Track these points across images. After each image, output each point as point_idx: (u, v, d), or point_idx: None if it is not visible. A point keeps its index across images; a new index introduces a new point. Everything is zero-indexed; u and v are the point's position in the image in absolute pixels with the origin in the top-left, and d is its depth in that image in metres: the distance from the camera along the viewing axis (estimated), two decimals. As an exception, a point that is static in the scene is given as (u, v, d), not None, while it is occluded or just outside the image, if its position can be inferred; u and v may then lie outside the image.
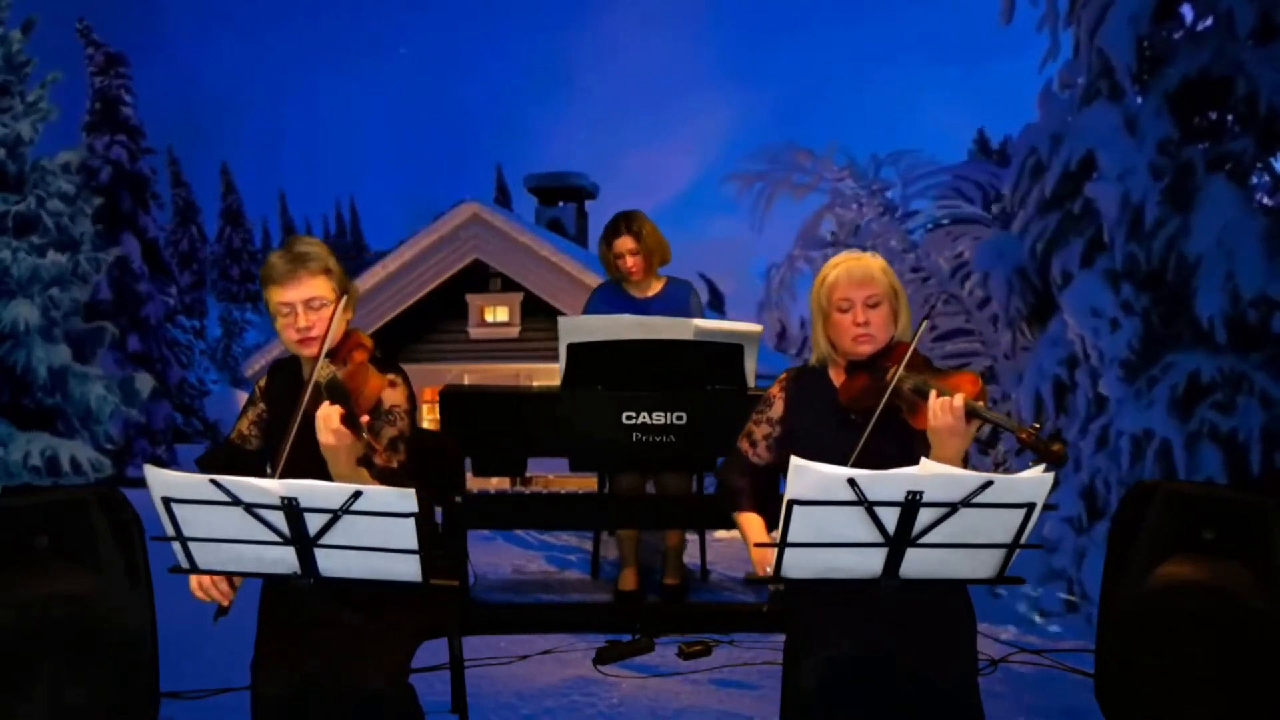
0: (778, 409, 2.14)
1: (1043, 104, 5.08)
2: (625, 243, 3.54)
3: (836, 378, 2.11)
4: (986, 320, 7.65)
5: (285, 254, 1.96)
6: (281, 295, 1.95)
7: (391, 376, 2.00)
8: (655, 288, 3.68)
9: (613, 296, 3.69)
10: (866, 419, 1.95)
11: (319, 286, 1.96)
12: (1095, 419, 4.52)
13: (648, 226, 3.57)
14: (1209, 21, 4.31)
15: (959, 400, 1.82)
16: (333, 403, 1.80)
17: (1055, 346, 4.77)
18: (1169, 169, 4.16)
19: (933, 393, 1.85)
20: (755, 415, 2.17)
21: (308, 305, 1.95)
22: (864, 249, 2.14)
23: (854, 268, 2.04)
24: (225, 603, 1.84)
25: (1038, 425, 1.81)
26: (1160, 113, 4.26)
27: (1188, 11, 4.41)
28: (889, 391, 1.93)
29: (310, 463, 1.80)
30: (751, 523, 2.06)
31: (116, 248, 13.00)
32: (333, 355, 1.93)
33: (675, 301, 3.66)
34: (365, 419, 1.78)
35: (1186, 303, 4.10)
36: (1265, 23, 4.02)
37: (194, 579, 1.82)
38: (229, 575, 1.82)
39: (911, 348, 1.98)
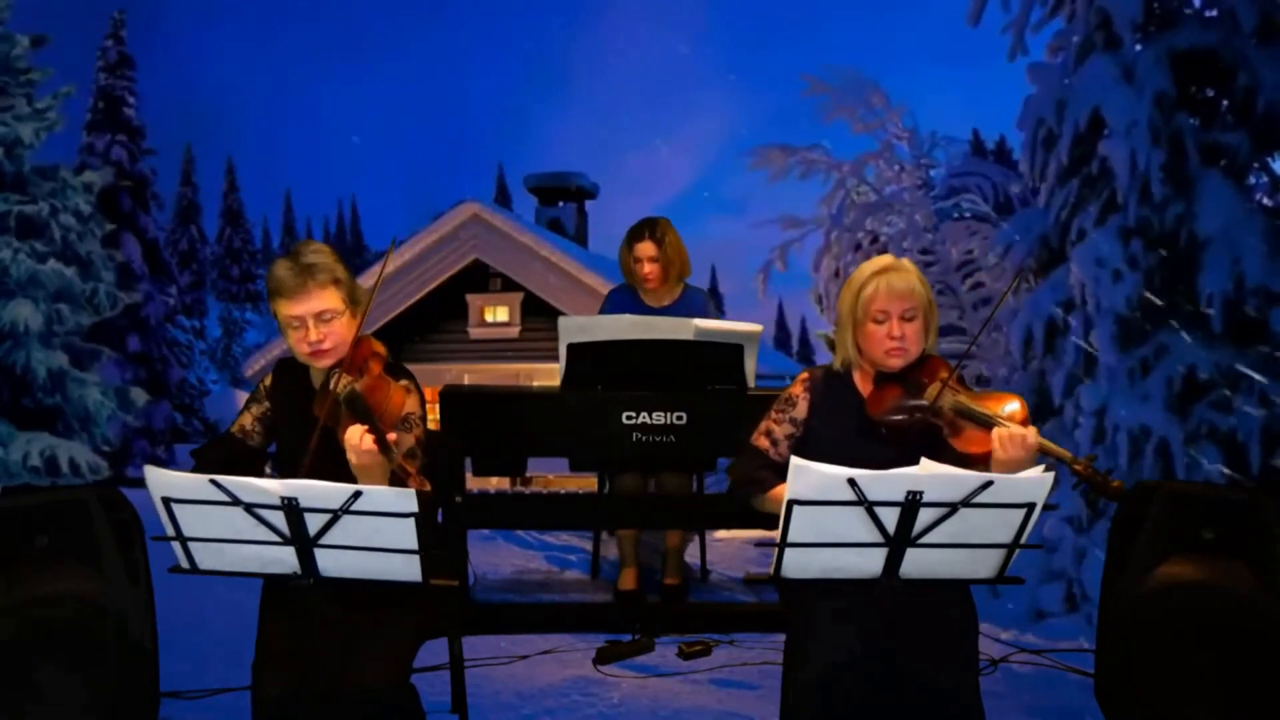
0: (801, 410, 2.08)
1: (1035, 78, 5.08)
2: (646, 248, 3.48)
3: (863, 385, 2.07)
4: (979, 322, 7.60)
5: (292, 265, 1.92)
6: (290, 309, 1.92)
7: (405, 383, 1.99)
8: (672, 298, 3.62)
9: (628, 303, 3.64)
10: (896, 433, 1.92)
11: (329, 299, 1.93)
12: (1080, 383, 4.55)
13: (671, 235, 3.51)
14: (1214, 13, 4.34)
15: (1033, 436, 1.81)
16: (353, 416, 1.78)
17: (1055, 290, 4.82)
18: (1164, 134, 4.17)
19: (996, 426, 1.83)
20: (775, 414, 2.10)
21: (318, 318, 1.92)
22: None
23: (895, 280, 1.97)
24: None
25: (1094, 456, 1.81)
26: (1159, 63, 4.25)
27: (1196, -1, 4.45)
28: (929, 410, 1.91)
29: (332, 476, 1.75)
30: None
31: (135, 293, 13.12)
32: (347, 365, 1.90)
33: (691, 311, 3.57)
34: (393, 437, 1.77)
35: (1191, 273, 4.11)
36: (1267, 23, 4.04)
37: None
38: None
39: (955, 369, 1.95)
